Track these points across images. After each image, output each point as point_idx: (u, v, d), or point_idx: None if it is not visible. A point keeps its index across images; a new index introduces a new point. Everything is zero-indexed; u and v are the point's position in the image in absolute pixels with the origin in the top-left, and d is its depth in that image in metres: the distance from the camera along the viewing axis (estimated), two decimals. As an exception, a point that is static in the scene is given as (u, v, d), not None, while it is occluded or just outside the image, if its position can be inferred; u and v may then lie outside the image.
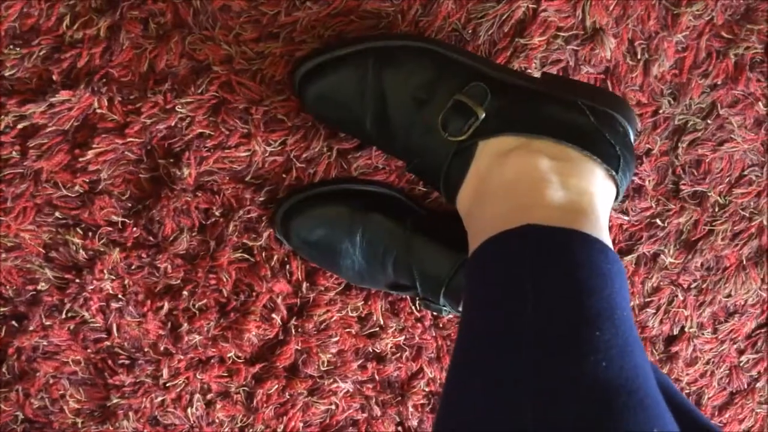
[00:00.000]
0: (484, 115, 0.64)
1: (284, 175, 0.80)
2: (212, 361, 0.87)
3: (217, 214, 0.81)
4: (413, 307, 0.87)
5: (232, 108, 0.78)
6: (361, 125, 0.71)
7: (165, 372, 0.86)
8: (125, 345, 0.85)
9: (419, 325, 0.87)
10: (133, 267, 0.82)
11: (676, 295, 0.91)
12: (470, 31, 0.78)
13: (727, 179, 0.87)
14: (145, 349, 0.85)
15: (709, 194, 0.87)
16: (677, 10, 0.80)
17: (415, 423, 0.91)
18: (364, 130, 0.71)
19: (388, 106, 0.70)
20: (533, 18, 0.78)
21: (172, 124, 0.77)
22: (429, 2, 0.76)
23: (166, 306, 0.83)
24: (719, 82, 0.83)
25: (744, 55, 0.82)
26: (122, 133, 0.77)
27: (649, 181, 0.86)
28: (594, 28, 0.79)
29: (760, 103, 0.84)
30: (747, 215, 0.88)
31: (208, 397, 0.88)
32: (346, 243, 0.76)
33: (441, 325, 0.88)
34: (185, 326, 0.84)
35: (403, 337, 0.88)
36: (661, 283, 0.90)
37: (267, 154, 0.79)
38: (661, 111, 0.84)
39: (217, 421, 0.89)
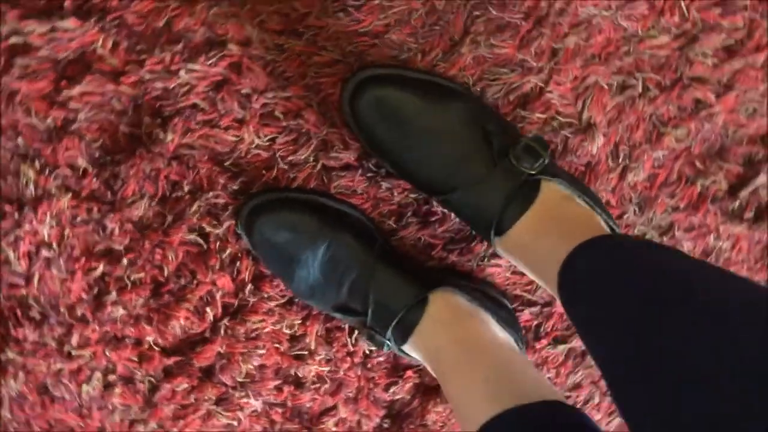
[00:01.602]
0: (547, 159, 0.70)
1: (264, 172, 0.79)
2: (127, 341, 0.81)
3: (185, 189, 0.78)
4: (348, 340, 0.85)
5: (235, 90, 0.76)
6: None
7: (74, 339, 0.80)
8: (41, 299, 0.79)
9: (348, 359, 0.86)
10: (78, 219, 0.77)
11: (593, 398, 0.93)
12: (479, 89, 0.80)
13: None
14: (61, 309, 0.79)
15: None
16: (663, 129, 0.86)
17: (312, 461, 0.87)
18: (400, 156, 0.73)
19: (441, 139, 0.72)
20: (539, 95, 0.82)
21: (171, 86, 0.75)
22: (451, 51, 0.79)
23: (100, 269, 0.79)
24: (682, 206, 0.89)
25: (709, 187, 0.88)
26: (116, 80, 0.75)
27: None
28: (588, 123, 0.84)
29: (711, 236, 0.90)
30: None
31: (110, 378, 0.82)
32: (307, 253, 0.75)
33: (369, 366, 0.86)
34: (112, 296, 0.79)
35: (329, 368, 0.85)
36: (583, 382, 0.92)
37: (253, 146, 0.78)
38: (625, 216, 0.88)
39: (110, 407, 0.83)
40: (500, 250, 0.73)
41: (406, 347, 0.74)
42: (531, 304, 0.86)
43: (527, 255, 0.69)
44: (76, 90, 0.74)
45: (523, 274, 0.84)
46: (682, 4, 0.79)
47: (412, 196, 0.81)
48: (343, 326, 0.84)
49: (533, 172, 0.70)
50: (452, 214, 0.81)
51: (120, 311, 0.80)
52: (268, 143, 0.78)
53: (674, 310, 0.47)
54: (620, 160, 0.86)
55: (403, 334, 0.73)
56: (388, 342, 0.74)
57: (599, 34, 0.79)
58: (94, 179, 0.76)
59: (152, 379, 0.82)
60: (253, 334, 0.83)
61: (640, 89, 0.82)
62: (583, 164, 0.85)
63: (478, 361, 0.68)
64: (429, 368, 0.74)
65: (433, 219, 0.82)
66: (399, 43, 0.78)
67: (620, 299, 0.53)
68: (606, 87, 0.81)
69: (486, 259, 0.84)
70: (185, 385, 0.83)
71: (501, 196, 0.70)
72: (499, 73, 0.81)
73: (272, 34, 0.76)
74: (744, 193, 0.88)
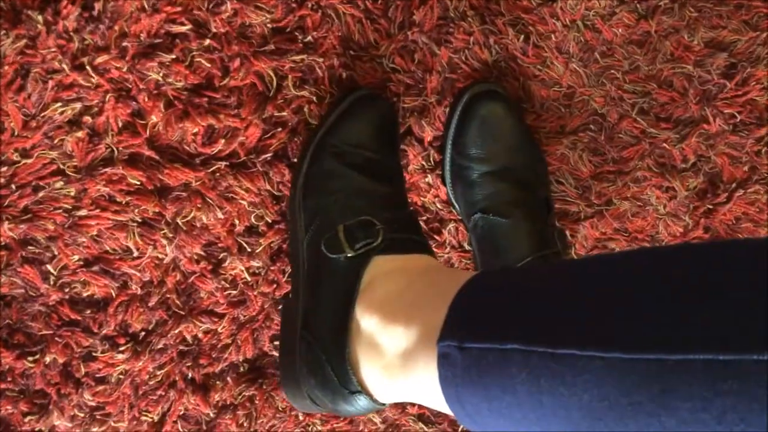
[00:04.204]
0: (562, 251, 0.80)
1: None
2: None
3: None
4: (283, 277, 0.81)
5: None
6: None
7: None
8: None
9: (270, 288, 0.81)
10: None
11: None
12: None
13: None
14: (114, 22, 0.71)
15: None
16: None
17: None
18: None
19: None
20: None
21: None
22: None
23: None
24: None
25: None
26: None
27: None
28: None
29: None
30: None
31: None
32: None
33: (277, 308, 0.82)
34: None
35: (249, 280, 0.80)
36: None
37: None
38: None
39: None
40: None
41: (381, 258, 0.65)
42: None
43: None
44: None
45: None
46: None
47: (439, 206, 0.85)
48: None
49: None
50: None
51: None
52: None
53: None
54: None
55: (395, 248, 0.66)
56: (372, 240, 0.65)
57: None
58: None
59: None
60: (229, 195, 0.78)
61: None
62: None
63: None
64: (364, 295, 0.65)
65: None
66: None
67: None
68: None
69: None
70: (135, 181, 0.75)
71: (530, 245, 0.76)
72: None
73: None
74: None
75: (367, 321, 0.60)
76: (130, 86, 0.73)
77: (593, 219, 0.88)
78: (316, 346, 0.64)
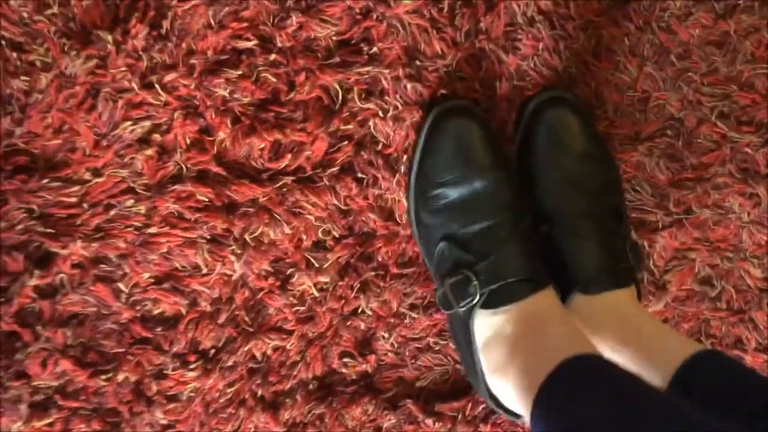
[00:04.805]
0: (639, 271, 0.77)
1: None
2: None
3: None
4: (352, 292, 0.80)
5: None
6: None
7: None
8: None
9: (338, 304, 0.80)
10: None
11: None
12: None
13: None
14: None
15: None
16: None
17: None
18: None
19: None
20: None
21: None
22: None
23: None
24: None
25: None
26: None
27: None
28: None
29: None
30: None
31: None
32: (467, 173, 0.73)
33: (348, 324, 0.81)
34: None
35: (317, 295, 0.79)
36: None
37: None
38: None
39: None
40: (576, 307, 0.73)
41: (488, 312, 0.70)
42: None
43: (624, 329, 0.70)
44: None
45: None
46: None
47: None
48: (363, 274, 0.79)
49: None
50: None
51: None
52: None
53: None
54: None
55: (498, 300, 0.69)
56: (471, 298, 0.69)
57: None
58: None
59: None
60: (296, 210, 0.77)
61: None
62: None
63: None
64: (489, 342, 0.70)
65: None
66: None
67: None
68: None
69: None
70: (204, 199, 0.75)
71: (599, 260, 0.72)
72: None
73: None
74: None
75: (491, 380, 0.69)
76: (198, 103, 0.73)
77: (672, 228, 0.83)
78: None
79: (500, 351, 0.68)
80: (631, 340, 0.69)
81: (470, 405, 0.82)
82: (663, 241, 0.84)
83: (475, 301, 0.69)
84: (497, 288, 0.68)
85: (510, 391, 0.66)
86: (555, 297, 0.70)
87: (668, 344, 0.66)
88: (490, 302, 0.69)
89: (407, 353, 0.81)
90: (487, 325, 0.70)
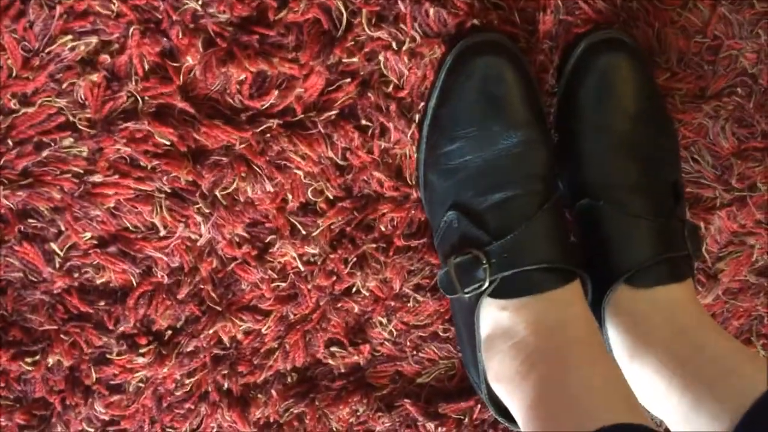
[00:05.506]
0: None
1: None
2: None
3: None
4: (345, 267, 0.68)
5: None
6: None
7: None
8: None
9: (328, 281, 0.69)
10: None
11: None
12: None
13: None
14: None
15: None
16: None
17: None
18: None
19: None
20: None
21: None
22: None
23: None
24: None
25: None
26: None
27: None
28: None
29: None
30: None
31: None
32: (498, 128, 0.63)
33: (338, 305, 0.69)
34: None
35: (302, 270, 0.69)
36: None
37: None
38: None
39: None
40: (619, 303, 0.64)
41: (498, 304, 0.60)
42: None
43: (680, 340, 0.61)
44: None
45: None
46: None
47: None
48: (361, 246, 0.69)
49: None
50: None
51: None
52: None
53: None
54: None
55: (512, 289, 0.61)
56: (480, 284, 0.60)
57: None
58: None
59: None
60: (282, 162, 0.67)
61: None
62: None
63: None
64: (509, 339, 0.61)
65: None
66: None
67: None
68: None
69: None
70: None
71: (652, 245, 0.63)
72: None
73: None
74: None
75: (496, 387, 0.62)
76: (161, 17, 0.62)
77: (731, 207, 0.74)
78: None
79: (508, 361, 0.60)
80: (689, 357, 0.59)
81: (479, 407, 0.74)
82: (719, 222, 0.75)
83: (483, 288, 0.60)
84: (512, 275, 0.60)
85: (515, 414, 0.59)
86: (583, 298, 0.63)
87: (740, 369, 0.56)
88: (502, 291, 0.61)
89: (408, 343, 0.73)
90: (493, 318, 0.62)
